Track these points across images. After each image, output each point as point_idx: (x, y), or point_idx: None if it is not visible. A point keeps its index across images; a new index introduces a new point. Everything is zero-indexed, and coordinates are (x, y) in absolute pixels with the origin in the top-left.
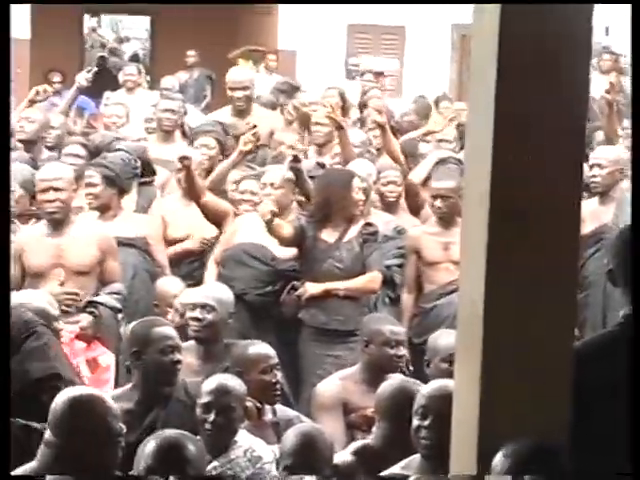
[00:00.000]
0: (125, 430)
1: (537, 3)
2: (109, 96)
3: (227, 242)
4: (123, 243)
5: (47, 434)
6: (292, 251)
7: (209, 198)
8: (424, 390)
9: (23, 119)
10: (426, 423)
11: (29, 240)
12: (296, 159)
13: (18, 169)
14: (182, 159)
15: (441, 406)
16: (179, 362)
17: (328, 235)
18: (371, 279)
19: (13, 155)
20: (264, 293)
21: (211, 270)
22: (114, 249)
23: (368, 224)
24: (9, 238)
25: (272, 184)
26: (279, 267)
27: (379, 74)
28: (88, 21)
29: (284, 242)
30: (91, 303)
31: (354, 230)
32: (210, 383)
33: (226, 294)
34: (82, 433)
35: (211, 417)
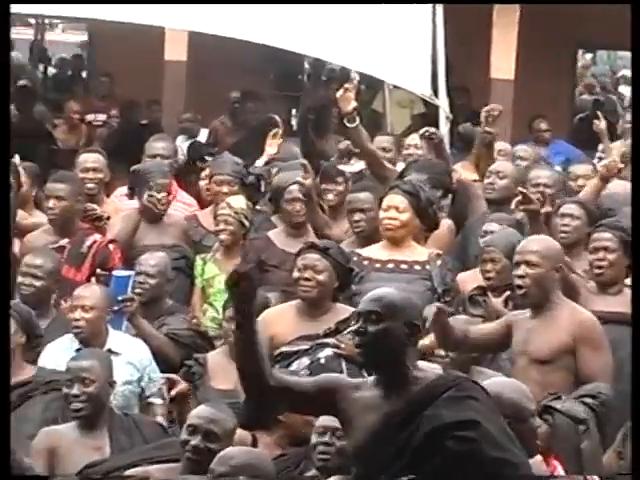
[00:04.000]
0: None
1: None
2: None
3: None
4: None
5: None
6: None
7: None
8: None
9: (493, 174)
10: None
11: None
12: None
13: (503, 235)
14: None
15: None
16: None
17: None
18: None
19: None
20: None
21: None
22: (595, 337)
23: None
24: (9, 240)
25: None
26: None
27: None
28: (581, 58)
29: None
30: (548, 408)
31: None
32: None
33: None
34: None
35: None
